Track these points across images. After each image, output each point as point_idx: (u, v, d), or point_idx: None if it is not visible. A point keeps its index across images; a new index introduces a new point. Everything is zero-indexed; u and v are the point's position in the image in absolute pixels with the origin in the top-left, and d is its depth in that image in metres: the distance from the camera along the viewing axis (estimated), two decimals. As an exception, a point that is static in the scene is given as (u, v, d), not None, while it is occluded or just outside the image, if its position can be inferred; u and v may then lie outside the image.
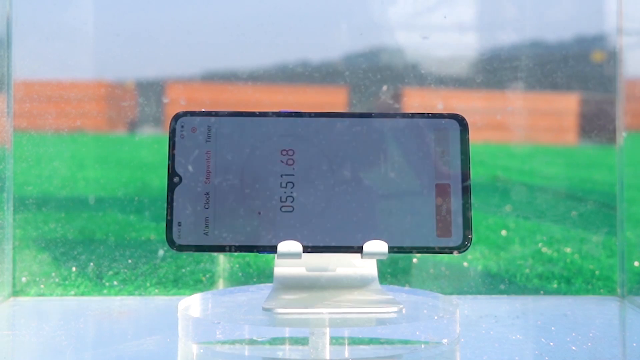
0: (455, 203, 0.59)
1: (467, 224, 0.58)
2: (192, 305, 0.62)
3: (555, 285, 0.84)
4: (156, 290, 0.81)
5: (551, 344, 0.60)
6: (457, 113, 0.61)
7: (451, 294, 0.80)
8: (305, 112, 0.61)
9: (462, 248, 0.58)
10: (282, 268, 0.61)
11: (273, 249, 0.58)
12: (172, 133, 0.60)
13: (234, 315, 0.59)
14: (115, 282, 0.82)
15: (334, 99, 0.98)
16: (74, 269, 0.83)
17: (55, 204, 0.89)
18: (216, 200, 0.59)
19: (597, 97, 0.97)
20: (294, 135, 0.60)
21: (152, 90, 0.97)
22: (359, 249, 0.58)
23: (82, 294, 0.80)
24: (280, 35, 0.92)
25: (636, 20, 0.83)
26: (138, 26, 0.91)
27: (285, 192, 0.59)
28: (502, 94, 0.92)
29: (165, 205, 0.59)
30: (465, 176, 0.59)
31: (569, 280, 0.85)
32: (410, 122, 0.60)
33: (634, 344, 0.64)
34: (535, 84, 0.92)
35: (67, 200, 0.91)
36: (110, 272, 0.83)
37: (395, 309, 0.57)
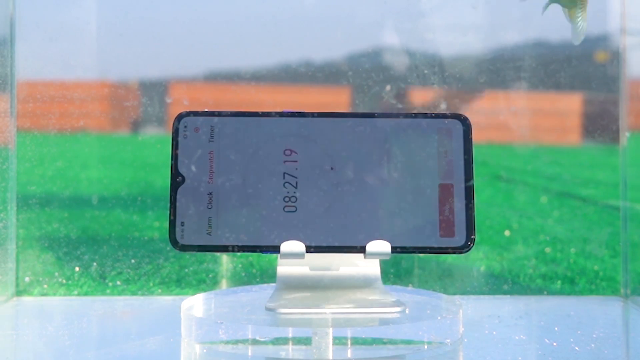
0: (458, 203, 0.59)
1: (470, 224, 0.58)
2: (195, 305, 0.62)
3: (558, 286, 0.84)
4: (159, 290, 0.81)
5: (554, 344, 0.60)
6: (460, 113, 0.61)
7: (454, 294, 0.80)
8: (308, 112, 0.61)
9: (465, 248, 0.58)
10: (285, 268, 0.61)
11: (276, 249, 0.58)
12: (175, 133, 0.60)
13: (236, 315, 0.59)
14: (118, 282, 0.82)
15: (337, 99, 0.98)
16: (77, 268, 0.83)
17: (59, 203, 0.89)
18: (219, 200, 0.59)
19: (601, 97, 0.97)
20: (296, 135, 0.60)
21: (155, 90, 0.97)
22: (361, 249, 0.58)
23: (85, 294, 0.80)
24: (283, 35, 0.92)
25: (639, 20, 0.83)
26: (141, 26, 0.91)
27: (288, 192, 0.59)
28: (505, 94, 0.92)
29: (169, 205, 0.59)
30: (469, 176, 0.59)
31: (573, 281, 0.84)
32: (413, 122, 0.60)
33: (638, 345, 0.64)
34: (539, 84, 0.92)
35: (71, 200, 0.91)
36: (114, 272, 0.83)
37: (398, 309, 0.57)
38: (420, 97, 0.94)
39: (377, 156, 0.60)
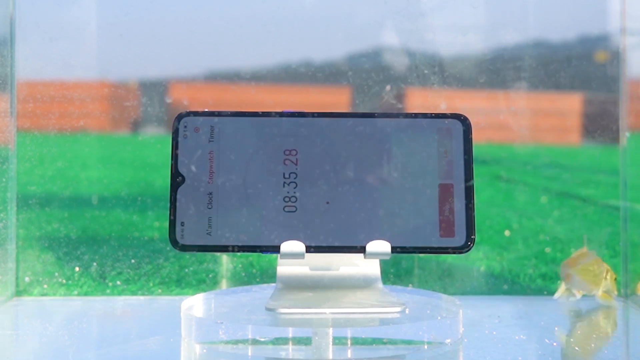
0: (458, 203, 0.59)
1: (470, 224, 0.58)
2: (195, 305, 0.62)
3: (558, 286, 0.84)
4: (159, 290, 0.81)
5: (554, 344, 0.60)
6: (460, 113, 0.61)
7: (454, 294, 0.80)
8: (308, 112, 0.61)
9: (465, 248, 0.58)
10: (285, 268, 0.61)
11: (276, 249, 0.58)
12: (175, 133, 0.60)
13: (236, 315, 0.59)
14: (118, 282, 0.82)
15: (337, 99, 0.98)
16: (77, 268, 0.83)
17: (59, 203, 0.89)
18: (219, 200, 0.59)
19: (601, 97, 0.97)
20: (296, 135, 0.60)
21: (155, 90, 0.97)
22: (361, 249, 0.58)
23: (85, 294, 0.80)
24: (283, 35, 0.92)
25: (639, 20, 0.83)
26: (141, 26, 0.91)
27: (288, 192, 0.59)
28: (505, 94, 0.92)
29: (169, 205, 0.59)
30: (468, 176, 0.59)
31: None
32: (413, 122, 0.60)
33: (638, 345, 0.64)
34: (539, 84, 0.92)
35: (71, 200, 0.91)
36: (114, 272, 0.83)
37: (398, 309, 0.57)
38: (420, 97, 0.94)
39: (377, 156, 0.60)
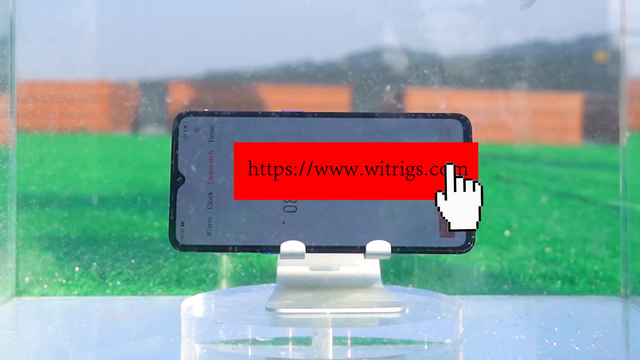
0: (459, 203, 0.59)
1: (470, 224, 0.58)
2: (195, 305, 0.62)
3: (558, 286, 0.84)
4: (159, 290, 0.81)
5: (554, 344, 0.60)
6: (460, 113, 0.61)
7: (454, 294, 0.80)
8: (308, 112, 0.61)
9: (464, 248, 0.58)
10: (285, 268, 0.61)
11: (276, 249, 0.58)
12: (175, 133, 0.60)
13: (236, 315, 0.59)
14: (118, 282, 0.82)
15: (337, 99, 0.98)
16: (77, 268, 0.83)
17: (59, 203, 0.89)
18: (219, 200, 0.59)
19: (601, 97, 0.97)
20: (296, 136, 0.60)
21: (155, 90, 0.97)
22: (361, 249, 0.58)
23: (85, 294, 0.80)
24: (283, 35, 0.92)
25: (639, 20, 0.83)
26: (141, 26, 0.91)
27: (288, 192, 0.59)
28: (505, 94, 0.92)
29: (169, 205, 0.59)
30: (469, 176, 0.59)
31: (573, 281, 0.84)
32: (413, 122, 0.60)
33: (638, 345, 0.64)
34: (539, 84, 0.92)
35: (71, 200, 0.91)
36: (114, 272, 0.83)
37: (398, 309, 0.57)
38: (420, 97, 0.94)
39: (377, 156, 0.60)
